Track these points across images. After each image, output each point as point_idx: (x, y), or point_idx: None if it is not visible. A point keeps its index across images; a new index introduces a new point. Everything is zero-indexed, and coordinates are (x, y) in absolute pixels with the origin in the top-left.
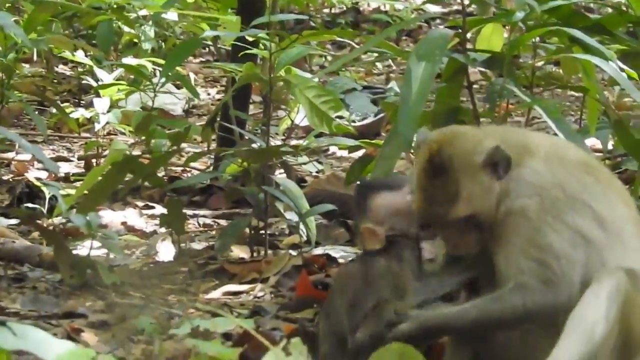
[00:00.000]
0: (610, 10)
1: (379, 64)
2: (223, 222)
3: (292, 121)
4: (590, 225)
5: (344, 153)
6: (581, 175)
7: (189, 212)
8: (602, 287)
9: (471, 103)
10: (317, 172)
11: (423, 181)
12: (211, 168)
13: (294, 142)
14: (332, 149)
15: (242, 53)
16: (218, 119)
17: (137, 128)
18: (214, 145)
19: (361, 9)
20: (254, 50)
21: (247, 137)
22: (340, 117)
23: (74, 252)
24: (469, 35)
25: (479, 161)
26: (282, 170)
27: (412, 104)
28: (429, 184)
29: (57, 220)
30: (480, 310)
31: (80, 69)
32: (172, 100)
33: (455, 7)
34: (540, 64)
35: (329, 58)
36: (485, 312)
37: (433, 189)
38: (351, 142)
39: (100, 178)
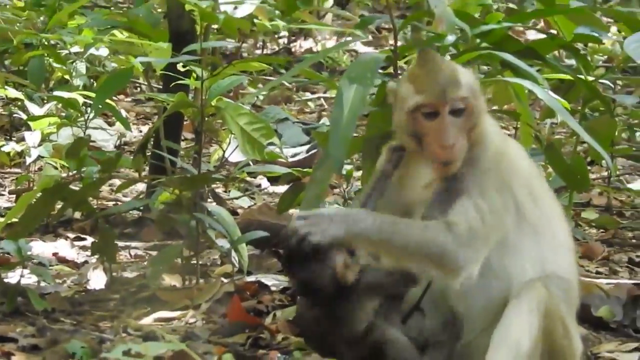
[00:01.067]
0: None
1: (311, 104)
2: (155, 254)
3: (224, 152)
4: (534, 214)
5: (276, 189)
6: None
7: (121, 244)
8: (521, 302)
9: None
10: (248, 207)
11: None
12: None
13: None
14: (264, 184)
15: (173, 83)
16: (149, 152)
17: (68, 153)
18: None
19: (293, 49)
20: (186, 81)
21: (179, 166)
22: (272, 145)
23: (5, 280)
24: (402, 63)
25: None
26: (214, 203)
27: (343, 126)
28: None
29: None
30: (406, 227)
31: (11, 106)
32: (104, 137)
33: (387, 48)
34: None
35: (261, 97)
36: (409, 229)
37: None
38: (282, 170)
39: (31, 204)
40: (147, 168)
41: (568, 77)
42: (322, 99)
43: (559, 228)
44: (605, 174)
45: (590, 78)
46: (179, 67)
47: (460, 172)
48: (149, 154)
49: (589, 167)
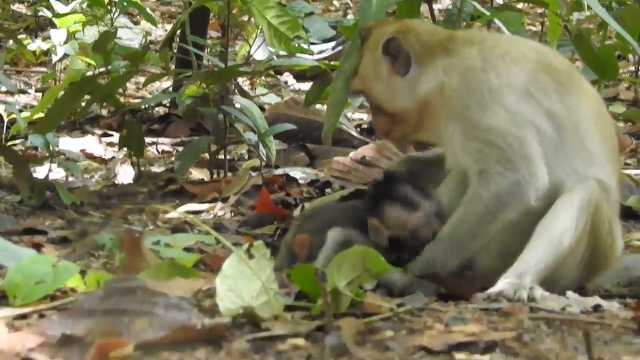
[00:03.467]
0: None
1: (335, 2)
2: (182, 148)
3: (250, 46)
4: (539, 116)
5: (302, 85)
6: (533, 71)
7: (148, 140)
8: (574, 196)
9: (431, 17)
10: (275, 103)
11: None
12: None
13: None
14: (290, 81)
15: None
16: (175, 49)
17: (94, 47)
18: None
19: None
20: None
21: (205, 60)
22: (299, 38)
23: (33, 174)
24: None
25: (380, 47)
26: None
27: (372, 16)
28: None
29: (16, 147)
30: (456, 226)
31: (37, 6)
32: (129, 36)
33: None
34: None
35: None
36: (461, 224)
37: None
38: (309, 62)
39: (58, 97)
40: (173, 64)
41: None
42: None
43: (591, 138)
44: (633, 68)
45: None
46: None
47: (444, 127)
48: (175, 50)
49: None
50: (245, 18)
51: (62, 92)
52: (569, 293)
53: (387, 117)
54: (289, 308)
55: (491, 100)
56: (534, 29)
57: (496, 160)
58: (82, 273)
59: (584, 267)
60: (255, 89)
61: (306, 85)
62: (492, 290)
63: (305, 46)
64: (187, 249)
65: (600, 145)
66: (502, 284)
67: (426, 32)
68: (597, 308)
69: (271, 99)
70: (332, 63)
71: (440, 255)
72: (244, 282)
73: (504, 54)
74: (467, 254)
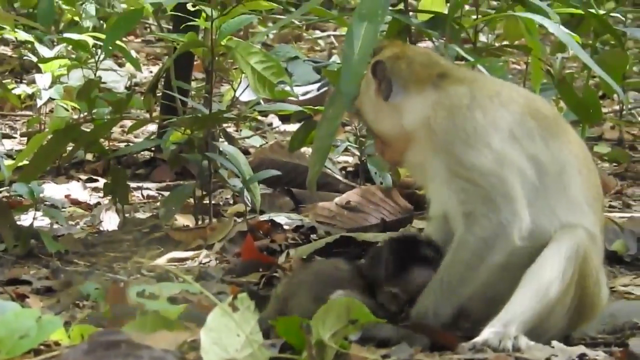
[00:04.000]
0: None
1: (321, 42)
2: (167, 194)
3: (235, 91)
4: (522, 160)
5: (288, 127)
6: (520, 115)
7: (133, 184)
8: (561, 246)
9: None
10: (260, 146)
11: None
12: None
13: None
14: (276, 123)
15: (184, 25)
16: (160, 93)
17: (79, 95)
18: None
19: None
20: (196, 21)
21: (190, 105)
22: (283, 83)
23: (17, 223)
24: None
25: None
26: (225, 142)
27: (354, 63)
28: None
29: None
30: (445, 274)
31: (21, 49)
32: (114, 78)
33: None
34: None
35: (271, 36)
36: (450, 271)
37: None
38: (293, 108)
39: (42, 145)
40: (158, 108)
41: (578, 11)
42: (332, 37)
43: (575, 187)
44: (617, 107)
45: (601, 12)
46: (189, 7)
47: (429, 162)
48: (160, 94)
49: (600, 101)
50: (231, 61)
51: (46, 140)
52: (554, 342)
53: (379, 139)
54: None
55: (476, 139)
56: (518, 67)
57: (480, 201)
58: (67, 324)
59: (571, 317)
60: (241, 131)
61: (291, 127)
62: (478, 339)
63: (288, 89)
64: (172, 299)
65: (584, 193)
66: (487, 333)
67: (420, 63)
68: (582, 357)
69: (256, 141)
70: (316, 108)
71: (431, 304)
72: (229, 335)
73: (493, 95)
74: (458, 301)
